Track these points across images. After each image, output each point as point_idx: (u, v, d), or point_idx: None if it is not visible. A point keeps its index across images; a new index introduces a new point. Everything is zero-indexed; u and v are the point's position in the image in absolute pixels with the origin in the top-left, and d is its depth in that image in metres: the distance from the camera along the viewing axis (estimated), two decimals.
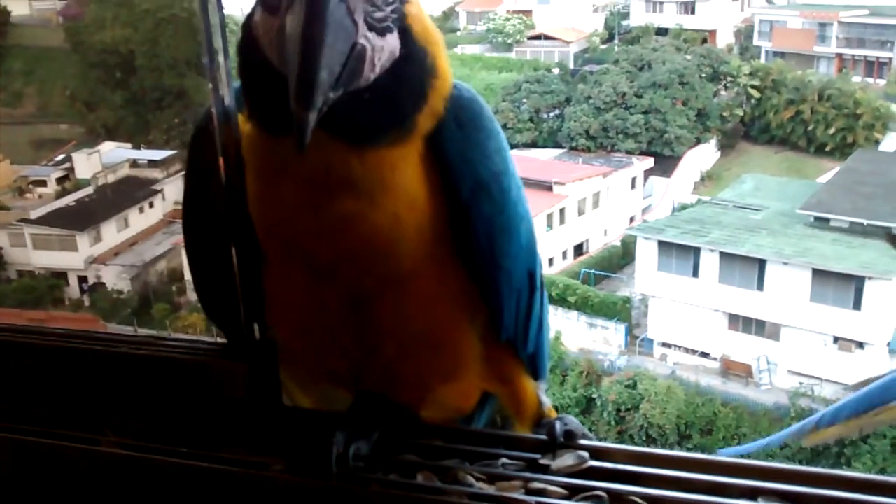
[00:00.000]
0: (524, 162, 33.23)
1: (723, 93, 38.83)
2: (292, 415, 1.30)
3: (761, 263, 24.11)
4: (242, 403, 1.26)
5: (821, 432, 1.86)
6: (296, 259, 1.17)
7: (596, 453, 1.16)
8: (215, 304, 1.31)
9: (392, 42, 1.06)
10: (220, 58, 1.11)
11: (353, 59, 1.01)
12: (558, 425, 1.19)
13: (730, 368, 24.88)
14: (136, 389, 1.32)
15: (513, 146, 37.99)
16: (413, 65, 1.08)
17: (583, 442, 1.18)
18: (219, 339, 1.33)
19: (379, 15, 1.04)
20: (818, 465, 21.35)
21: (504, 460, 1.18)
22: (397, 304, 1.19)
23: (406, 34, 1.07)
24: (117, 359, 1.33)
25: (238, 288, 1.22)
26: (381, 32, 1.04)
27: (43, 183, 38.40)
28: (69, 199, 36.35)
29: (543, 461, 1.15)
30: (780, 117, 37.19)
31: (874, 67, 40.98)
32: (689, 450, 23.18)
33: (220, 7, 1.12)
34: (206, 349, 1.31)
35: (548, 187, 30.90)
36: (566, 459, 1.15)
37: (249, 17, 1.07)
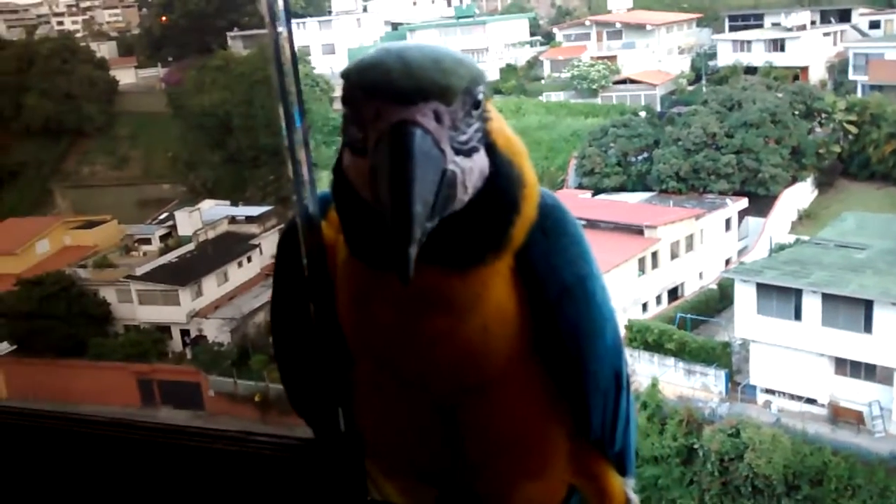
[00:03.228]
0: (613, 206, 32.92)
1: (818, 129, 37.58)
2: None
3: (868, 304, 23.06)
4: (329, 498, 1.27)
5: None
6: (384, 367, 1.19)
7: None
8: (301, 398, 1.34)
9: (480, 161, 1.04)
10: (304, 169, 1.13)
11: (445, 187, 0.99)
12: None
13: (839, 415, 23.72)
14: (225, 485, 1.36)
15: (601, 190, 37.83)
16: (503, 179, 1.07)
17: None
18: (306, 435, 1.35)
19: (464, 138, 1.03)
20: None
21: None
22: (484, 409, 1.19)
23: (492, 150, 1.06)
24: (210, 454, 1.37)
25: (326, 385, 1.24)
26: (469, 154, 1.03)
27: (147, 241, 39.97)
28: (172, 256, 37.59)
29: None
30: (880, 152, 35.75)
31: None
32: (797, 501, 22.12)
33: (305, 127, 1.14)
34: (293, 445, 1.33)
35: (638, 231, 30.47)
36: None
37: (339, 160, 1.08)
